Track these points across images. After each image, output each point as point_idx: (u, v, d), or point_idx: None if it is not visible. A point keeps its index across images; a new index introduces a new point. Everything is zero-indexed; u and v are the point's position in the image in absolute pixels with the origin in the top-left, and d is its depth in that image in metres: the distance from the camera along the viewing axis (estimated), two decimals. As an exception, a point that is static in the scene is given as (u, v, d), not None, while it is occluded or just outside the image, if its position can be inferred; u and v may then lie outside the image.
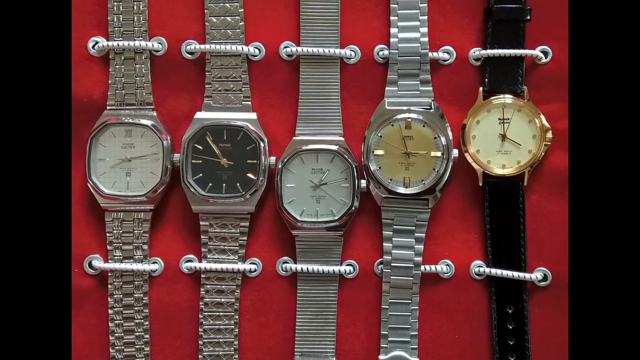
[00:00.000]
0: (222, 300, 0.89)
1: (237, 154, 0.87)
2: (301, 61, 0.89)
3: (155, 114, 0.89)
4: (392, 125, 0.87)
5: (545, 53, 0.89)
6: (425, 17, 0.89)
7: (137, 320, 0.89)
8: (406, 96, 0.88)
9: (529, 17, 0.88)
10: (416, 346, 0.89)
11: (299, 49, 0.88)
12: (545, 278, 0.89)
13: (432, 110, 0.87)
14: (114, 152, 0.88)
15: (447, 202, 0.90)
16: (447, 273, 0.89)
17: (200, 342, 0.89)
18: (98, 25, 0.90)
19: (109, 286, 0.89)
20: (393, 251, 0.88)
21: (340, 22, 0.89)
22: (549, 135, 0.87)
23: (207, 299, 0.89)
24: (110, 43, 0.88)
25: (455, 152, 0.87)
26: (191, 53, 0.89)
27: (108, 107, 0.89)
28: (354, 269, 0.89)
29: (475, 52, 0.89)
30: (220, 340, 0.89)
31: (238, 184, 0.87)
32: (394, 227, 0.88)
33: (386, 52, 0.89)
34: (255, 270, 0.90)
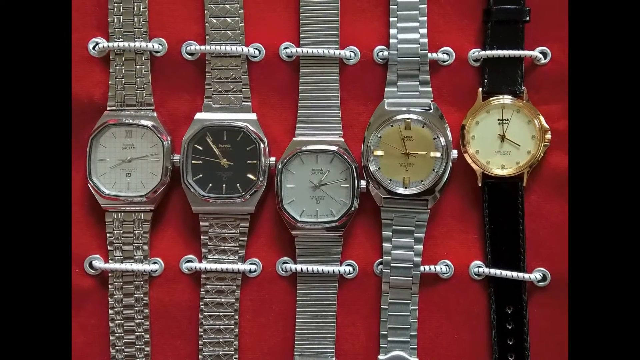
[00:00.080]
0: (222, 300, 0.89)
1: (237, 155, 0.88)
2: (301, 62, 0.89)
3: (155, 114, 0.89)
4: (392, 126, 0.87)
5: (544, 54, 0.89)
6: (425, 18, 0.89)
7: (137, 321, 0.89)
8: (406, 97, 0.89)
9: (528, 18, 0.88)
10: (415, 346, 0.89)
11: (299, 49, 0.88)
12: (544, 278, 0.89)
13: (431, 111, 0.88)
14: (114, 153, 0.88)
15: (446, 203, 0.90)
16: (446, 273, 0.89)
17: (200, 342, 0.89)
18: (98, 26, 0.90)
19: (110, 286, 0.89)
20: (392, 251, 0.88)
21: (340, 23, 0.89)
22: (548, 135, 0.88)
23: (207, 299, 0.89)
24: (110, 44, 0.88)
25: (454, 153, 0.87)
26: (191, 54, 0.90)
27: (108, 108, 0.89)
28: (354, 269, 0.90)
29: (475, 53, 0.89)
30: (220, 340, 0.89)
31: (238, 185, 0.88)
32: (394, 227, 0.88)
33: (386, 53, 0.89)
34: (255, 271, 0.90)
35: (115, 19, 0.89)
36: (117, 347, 0.89)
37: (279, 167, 0.87)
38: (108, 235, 0.89)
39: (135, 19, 0.89)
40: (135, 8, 0.89)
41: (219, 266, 0.88)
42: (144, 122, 0.88)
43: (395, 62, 0.88)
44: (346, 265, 0.89)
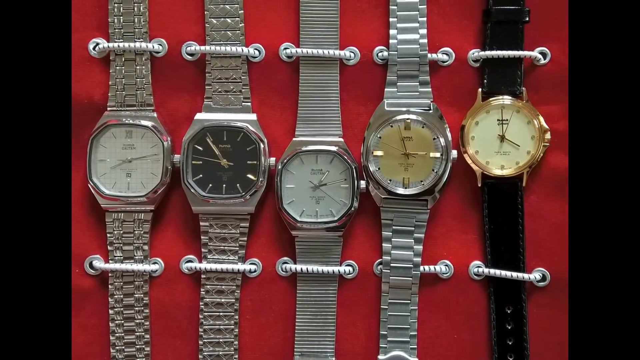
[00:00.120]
0: (222, 300, 0.89)
1: (237, 155, 0.88)
2: (301, 62, 0.89)
3: (155, 115, 0.89)
4: (392, 126, 0.87)
5: (543, 54, 0.89)
6: (425, 19, 0.89)
7: (137, 321, 0.89)
8: (405, 97, 0.89)
9: (527, 19, 0.89)
10: (415, 346, 0.89)
11: (299, 50, 0.89)
12: (543, 278, 0.89)
13: (431, 111, 0.88)
14: (114, 153, 0.88)
15: (446, 203, 0.90)
16: (446, 273, 0.89)
17: (200, 342, 0.89)
18: (98, 27, 0.90)
19: (110, 286, 0.89)
20: (392, 252, 0.88)
21: (340, 23, 0.89)
22: (548, 136, 0.88)
23: (207, 299, 0.89)
24: (110, 44, 0.89)
25: (454, 153, 0.87)
26: (191, 54, 0.90)
27: (109, 108, 0.89)
28: (354, 270, 0.90)
29: (474, 53, 0.89)
30: (221, 340, 0.89)
31: (238, 185, 0.88)
32: (393, 227, 0.88)
33: (385, 53, 0.89)
34: (255, 271, 0.90)
35: (116, 20, 0.89)
36: (117, 347, 0.89)
37: (279, 167, 0.87)
38: (108, 235, 0.89)
39: (136, 19, 0.89)
40: (136, 9, 0.89)
41: (219, 266, 0.88)
42: (144, 122, 0.88)
43: (395, 62, 0.89)
44: (346, 266, 0.90)
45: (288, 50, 0.89)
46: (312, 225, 0.87)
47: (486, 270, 0.89)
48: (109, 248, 0.89)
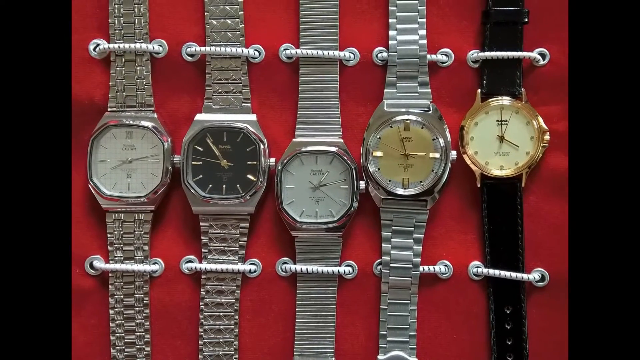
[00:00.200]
0: (222, 300, 0.89)
1: (237, 156, 0.88)
2: (301, 63, 0.89)
3: (155, 115, 0.89)
4: (391, 127, 0.88)
5: (542, 55, 0.89)
6: (424, 20, 0.89)
7: (137, 321, 0.90)
8: (405, 98, 0.89)
9: (526, 20, 0.89)
10: (415, 346, 0.89)
11: (299, 51, 0.89)
12: (542, 278, 0.89)
13: (430, 112, 0.88)
14: (114, 154, 0.89)
15: (445, 203, 0.90)
16: (445, 274, 0.90)
17: (200, 342, 0.90)
18: (99, 28, 0.90)
19: (110, 287, 0.89)
20: (392, 252, 0.89)
21: (340, 24, 0.89)
22: (547, 136, 0.88)
23: (208, 300, 0.89)
24: (111, 45, 0.89)
25: (453, 154, 0.87)
26: (191, 55, 0.90)
27: (109, 109, 0.89)
28: (353, 270, 0.90)
29: (474, 54, 0.90)
30: (221, 340, 0.90)
31: (238, 185, 0.88)
32: (393, 228, 0.89)
33: (385, 54, 0.89)
34: (255, 271, 0.90)
35: (116, 21, 0.89)
36: (117, 347, 0.90)
37: (279, 168, 0.88)
38: (108, 235, 0.89)
39: (136, 20, 0.89)
40: (136, 10, 0.89)
41: (219, 266, 0.89)
42: (144, 123, 0.88)
43: (395, 63, 0.89)
44: (346, 266, 0.90)
45: (288, 51, 0.89)
46: (311, 225, 0.88)
47: (485, 270, 0.89)
48: (110, 248, 0.89)
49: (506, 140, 0.89)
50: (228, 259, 0.89)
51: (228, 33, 0.89)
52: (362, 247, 0.90)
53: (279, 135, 0.90)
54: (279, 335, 0.90)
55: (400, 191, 0.87)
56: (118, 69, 0.89)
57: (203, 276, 0.89)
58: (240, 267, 0.89)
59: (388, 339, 0.89)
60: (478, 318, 0.90)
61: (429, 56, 0.89)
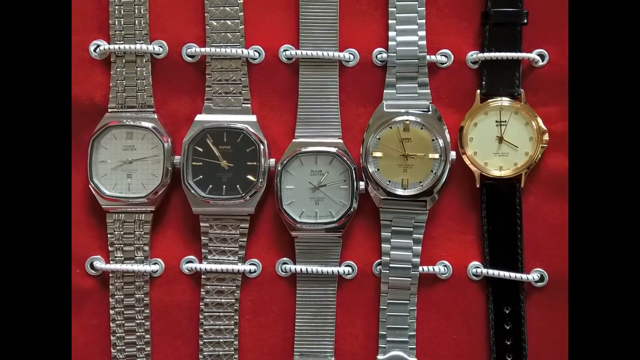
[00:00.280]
0: (222, 300, 0.90)
1: (237, 156, 0.88)
2: (300, 64, 0.90)
3: (156, 116, 0.90)
4: (391, 127, 0.88)
5: (542, 56, 0.90)
6: (423, 21, 0.89)
7: (138, 321, 0.90)
8: (404, 99, 0.89)
9: (525, 21, 0.89)
10: (414, 346, 0.89)
11: (299, 52, 0.89)
12: (541, 279, 0.89)
13: (430, 113, 0.88)
14: (115, 154, 0.89)
15: (444, 204, 0.91)
16: (444, 274, 0.90)
17: (200, 342, 0.90)
18: (99, 29, 0.90)
19: (110, 287, 0.90)
20: (391, 252, 0.89)
21: (339, 25, 0.90)
22: (546, 137, 0.88)
23: (208, 300, 0.90)
24: (111, 46, 0.89)
25: (452, 154, 0.88)
26: (192, 56, 0.90)
27: (109, 110, 0.89)
28: (353, 270, 0.90)
29: (473, 55, 0.90)
30: (221, 340, 0.90)
31: (238, 186, 0.88)
32: (392, 228, 0.89)
33: (385, 55, 0.90)
34: (255, 271, 0.90)
35: (116, 22, 0.89)
36: (117, 347, 0.90)
37: (279, 168, 0.88)
38: (109, 236, 0.90)
39: (136, 21, 0.89)
40: (136, 11, 0.89)
41: (219, 267, 0.89)
42: (144, 123, 0.88)
43: (394, 64, 0.89)
44: (345, 266, 0.90)
45: (288, 52, 0.90)
46: (311, 226, 0.88)
47: (484, 270, 0.89)
48: (110, 249, 0.90)
49: (505, 140, 0.89)
50: (228, 259, 0.90)
51: (228, 34, 0.90)
52: (361, 247, 0.91)
53: (278, 136, 0.90)
54: (278, 335, 0.90)
55: (399, 192, 0.88)
56: (118, 69, 0.90)
57: (203, 276, 0.90)
58: (240, 267, 0.89)
59: (387, 339, 0.89)
60: (477, 318, 0.90)
61: (428, 57, 0.89)
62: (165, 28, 0.90)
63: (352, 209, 0.88)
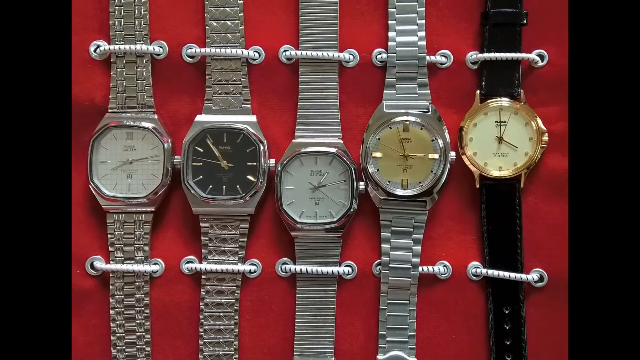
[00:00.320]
0: (222, 300, 0.90)
1: (237, 157, 0.88)
2: (300, 65, 0.90)
3: (156, 116, 0.90)
4: (390, 128, 0.88)
5: (541, 56, 0.90)
6: (423, 21, 0.89)
7: (138, 321, 0.90)
8: (404, 99, 0.89)
9: (525, 21, 0.89)
10: (414, 346, 0.90)
11: (298, 52, 0.89)
12: (541, 279, 0.89)
13: (429, 113, 0.88)
14: (115, 155, 0.89)
15: (444, 204, 0.91)
16: (444, 274, 0.90)
17: (200, 342, 0.90)
18: (99, 29, 0.91)
19: (111, 287, 0.90)
20: (391, 252, 0.89)
21: (339, 26, 0.90)
22: (545, 137, 0.88)
23: (208, 300, 0.90)
24: (111, 47, 0.89)
25: (452, 155, 0.88)
26: (192, 57, 0.90)
27: (109, 110, 0.90)
28: (353, 270, 0.90)
29: (473, 55, 0.90)
30: (221, 340, 0.90)
31: (238, 186, 0.88)
32: (392, 228, 0.89)
33: (384, 55, 0.90)
34: (255, 271, 0.90)
35: (117, 22, 0.90)
36: (118, 347, 0.90)
37: (279, 168, 0.88)
38: (109, 236, 0.90)
39: (136, 22, 0.90)
40: (136, 11, 0.89)
41: (219, 267, 0.89)
42: (144, 124, 0.89)
43: (394, 64, 0.89)
44: (345, 266, 0.90)
45: (288, 53, 0.90)
46: (311, 226, 0.88)
47: (484, 270, 0.89)
48: (110, 249, 0.90)
49: (505, 141, 0.89)
50: (228, 260, 0.90)
51: (228, 34, 0.90)
52: (361, 247, 0.91)
53: (278, 136, 0.91)
54: (278, 335, 0.91)
55: (399, 192, 0.88)
56: (118, 70, 0.90)
57: (203, 276, 0.90)
58: (240, 267, 0.89)
59: (387, 339, 0.90)
60: (477, 318, 0.90)
61: (428, 57, 0.89)
62: (165, 29, 0.91)
63: (352, 209, 0.88)
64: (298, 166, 0.88)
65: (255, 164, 0.88)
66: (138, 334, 0.90)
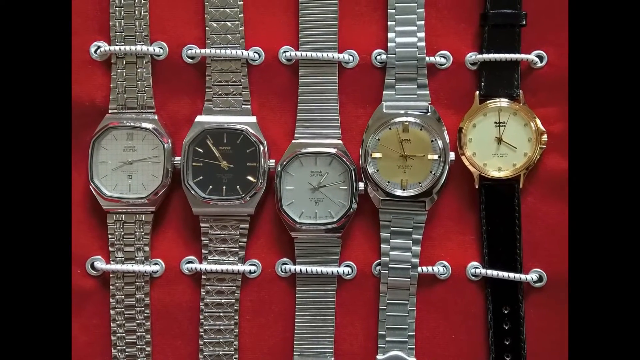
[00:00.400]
0: (222, 301, 0.90)
1: (237, 157, 0.88)
2: (300, 65, 0.90)
3: (156, 117, 0.90)
4: (390, 128, 0.88)
5: (540, 57, 0.90)
6: (423, 22, 0.89)
7: (138, 321, 0.90)
8: (403, 100, 0.89)
9: (524, 22, 0.89)
10: (413, 346, 0.90)
11: (298, 53, 0.89)
12: (540, 279, 0.90)
13: (429, 114, 0.89)
14: (115, 155, 0.89)
15: (443, 204, 0.91)
16: (443, 274, 0.90)
17: (200, 342, 0.90)
18: (100, 30, 0.91)
19: (111, 287, 0.90)
20: (390, 252, 0.89)
21: (339, 27, 0.90)
22: (544, 138, 0.88)
23: (208, 300, 0.90)
24: (112, 48, 0.89)
25: (451, 155, 0.88)
26: (192, 57, 0.90)
27: (110, 111, 0.90)
28: (352, 270, 0.90)
29: (472, 56, 0.90)
30: (221, 340, 0.90)
31: (238, 187, 0.88)
32: (392, 229, 0.89)
33: (384, 56, 0.90)
34: (254, 272, 0.91)
35: (117, 23, 0.90)
36: (118, 347, 0.90)
37: (279, 169, 0.88)
38: (109, 236, 0.90)
39: (137, 23, 0.90)
40: (137, 12, 0.90)
41: (219, 267, 0.89)
42: (145, 124, 0.89)
43: (394, 65, 0.89)
44: (345, 266, 0.90)
45: (287, 54, 0.90)
46: (311, 226, 0.88)
47: (483, 271, 0.89)
48: (110, 249, 0.90)
49: (504, 141, 0.89)
50: (228, 260, 0.90)
51: (228, 35, 0.90)
52: (361, 247, 0.91)
53: (278, 137, 0.91)
54: (278, 335, 0.91)
55: (399, 192, 0.88)
56: (119, 71, 0.90)
57: (203, 277, 0.90)
58: (240, 267, 0.90)
59: (387, 339, 0.90)
60: (476, 318, 0.91)
61: (427, 58, 0.89)
62: (165, 29, 0.91)
63: (351, 210, 0.88)
64: (298, 167, 0.89)
65: (255, 164, 0.88)
66: (138, 334, 0.90)
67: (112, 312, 0.90)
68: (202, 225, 0.90)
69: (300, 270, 0.89)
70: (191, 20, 0.91)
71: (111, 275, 0.90)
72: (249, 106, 0.90)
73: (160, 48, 0.90)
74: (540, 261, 0.90)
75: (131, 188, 0.89)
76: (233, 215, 0.89)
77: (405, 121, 0.88)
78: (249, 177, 0.88)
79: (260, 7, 0.91)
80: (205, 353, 0.90)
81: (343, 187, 0.88)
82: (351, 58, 0.90)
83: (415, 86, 0.89)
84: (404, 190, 0.88)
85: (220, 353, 0.90)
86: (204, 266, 0.89)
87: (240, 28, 0.90)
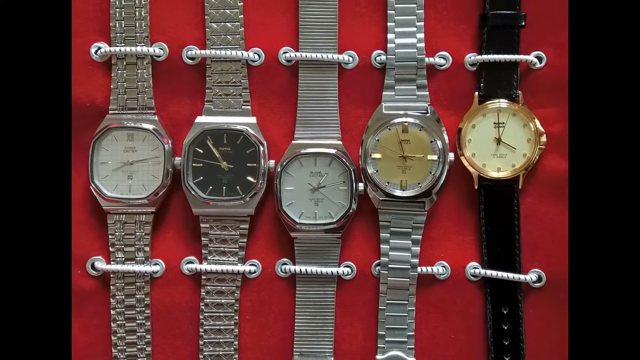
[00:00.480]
0: (222, 301, 0.90)
1: (237, 158, 0.89)
2: (300, 66, 0.90)
3: (156, 118, 0.90)
4: (389, 129, 0.88)
5: (539, 58, 0.90)
6: (422, 23, 0.90)
7: (138, 321, 0.90)
8: (403, 101, 0.90)
9: (523, 23, 0.89)
10: (413, 346, 0.90)
11: (298, 54, 0.89)
12: (539, 279, 0.90)
13: (428, 115, 0.89)
14: (116, 156, 0.89)
15: (443, 205, 0.91)
16: (443, 274, 0.90)
17: (200, 343, 0.90)
18: (100, 31, 0.91)
19: (111, 287, 0.90)
20: (390, 253, 0.89)
21: (339, 28, 0.90)
22: (543, 139, 0.89)
23: (208, 300, 0.90)
24: (112, 48, 0.89)
25: (451, 156, 0.88)
26: (192, 58, 0.91)
27: (110, 112, 0.90)
28: (352, 271, 0.91)
29: (471, 57, 0.90)
30: (221, 340, 0.90)
31: (238, 187, 0.88)
32: (391, 229, 0.89)
33: (383, 57, 0.90)
34: (254, 272, 0.91)
35: (117, 24, 0.90)
36: (118, 347, 0.90)
37: (278, 169, 0.88)
38: (110, 237, 0.90)
39: (137, 24, 0.90)
40: (137, 13, 0.90)
41: (219, 267, 0.89)
42: (145, 125, 0.89)
43: (393, 66, 0.89)
44: (344, 267, 0.90)
45: (287, 54, 0.90)
46: (311, 227, 0.88)
47: (483, 271, 0.90)
48: (111, 249, 0.90)
49: (503, 142, 0.89)
50: (228, 260, 0.90)
51: (228, 36, 0.90)
52: (360, 248, 0.91)
53: (278, 138, 0.91)
54: (278, 335, 0.91)
55: (398, 193, 0.88)
56: (119, 71, 0.90)
57: (203, 277, 0.90)
58: (240, 268, 0.90)
59: (386, 339, 0.90)
60: (475, 318, 0.91)
61: (427, 59, 0.90)
62: (165, 30, 0.91)
63: (351, 210, 0.88)
64: (298, 167, 0.89)
65: (255, 165, 0.88)
66: (139, 334, 0.90)
67: (112, 312, 0.90)
68: (202, 225, 0.90)
69: (300, 270, 0.89)
70: (191, 21, 0.91)
71: (111, 276, 0.90)
72: (249, 107, 0.90)
73: (161, 49, 0.90)
74: (540, 261, 0.90)
75: (131, 188, 0.89)
76: (233, 215, 0.89)
77: (405, 122, 0.88)
78: (249, 178, 0.89)
79: (260, 8, 0.91)
80: (206, 353, 0.90)
81: (343, 187, 0.89)
82: (351, 59, 0.90)
83: (415, 87, 0.90)
84: (403, 190, 0.88)
85: (220, 353, 0.90)
86: (204, 266, 0.89)
87: (240, 29, 0.90)
